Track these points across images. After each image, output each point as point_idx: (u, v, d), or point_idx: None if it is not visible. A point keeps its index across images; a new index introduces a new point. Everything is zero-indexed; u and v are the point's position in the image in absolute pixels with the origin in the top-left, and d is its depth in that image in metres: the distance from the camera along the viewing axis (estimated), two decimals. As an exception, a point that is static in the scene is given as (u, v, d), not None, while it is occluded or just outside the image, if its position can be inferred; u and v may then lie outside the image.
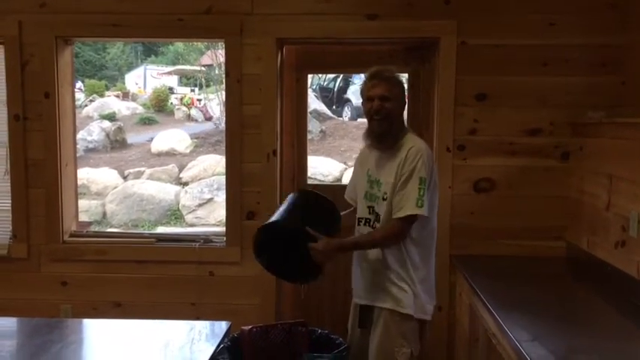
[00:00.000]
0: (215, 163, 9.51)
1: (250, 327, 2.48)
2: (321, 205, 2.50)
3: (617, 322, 2.27)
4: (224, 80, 3.35)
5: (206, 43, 13.90)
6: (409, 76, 3.48)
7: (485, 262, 3.03)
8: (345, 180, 7.41)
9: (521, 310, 2.29)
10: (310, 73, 3.77)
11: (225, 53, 3.31)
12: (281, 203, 2.58)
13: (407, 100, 2.56)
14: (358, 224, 2.49)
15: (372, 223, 2.43)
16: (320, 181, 8.15)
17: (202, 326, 2.49)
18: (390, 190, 2.33)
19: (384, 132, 2.37)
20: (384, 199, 2.36)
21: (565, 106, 3.12)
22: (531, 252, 3.13)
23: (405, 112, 3.45)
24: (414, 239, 2.34)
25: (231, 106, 3.30)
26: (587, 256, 2.86)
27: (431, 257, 2.43)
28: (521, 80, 3.14)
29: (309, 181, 3.66)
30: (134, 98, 14.92)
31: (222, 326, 2.41)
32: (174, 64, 17.99)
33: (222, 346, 2.27)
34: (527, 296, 2.51)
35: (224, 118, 3.65)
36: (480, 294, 2.51)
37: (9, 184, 3.38)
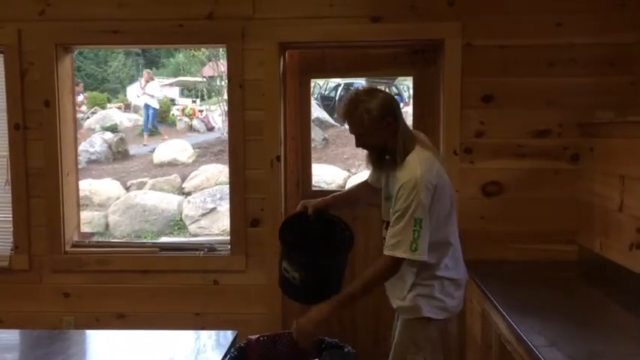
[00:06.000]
0: (217, 172, 9.46)
1: (257, 336, 2.41)
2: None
3: (635, 326, 2.20)
4: (226, 86, 3.30)
5: (207, 54, 13.94)
6: (414, 79, 3.44)
7: (496, 267, 2.97)
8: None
9: (535, 315, 2.22)
10: (313, 78, 3.74)
11: (227, 58, 3.27)
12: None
13: (394, 118, 2.22)
14: (383, 227, 2.39)
15: None
16: (323, 188, 8.09)
17: (208, 336, 2.43)
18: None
19: (374, 160, 2.33)
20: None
21: (573, 107, 3.06)
22: (542, 256, 3.07)
23: (410, 117, 3.42)
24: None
25: (234, 111, 3.25)
26: (600, 259, 2.79)
27: (445, 255, 2.29)
28: (528, 81, 3.09)
29: (313, 189, 3.61)
30: (135, 110, 14.93)
31: (227, 336, 2.36)
32: (175, 75, 18.01)
33: (228, 356, 2.21)
34: (540, 301, 2.44)
35: (226, 127, 3.62)
36: (492, 299, 2.45)
37: (10, 194, 3.34)
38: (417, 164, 2.19)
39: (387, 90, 3.17)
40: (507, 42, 3.08)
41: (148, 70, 14.74)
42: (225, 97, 11.91)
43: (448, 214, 2.28)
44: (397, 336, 2.35)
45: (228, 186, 3.31)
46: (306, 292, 2.33)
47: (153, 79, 13.99)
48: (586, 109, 3.01)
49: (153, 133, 12.99)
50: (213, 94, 14.90)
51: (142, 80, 13.74)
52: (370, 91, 2.26)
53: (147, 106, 12.90)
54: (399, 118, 2.25)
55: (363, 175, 2.67)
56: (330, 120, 11.67)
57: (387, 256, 2.18)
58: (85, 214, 7.57)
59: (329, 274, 2.36)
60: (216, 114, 13.79)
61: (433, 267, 2.25)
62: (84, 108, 13.94)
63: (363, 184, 2.62)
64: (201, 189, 9.12)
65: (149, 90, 13.16)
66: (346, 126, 2.33)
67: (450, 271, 2.30)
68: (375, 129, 2.21)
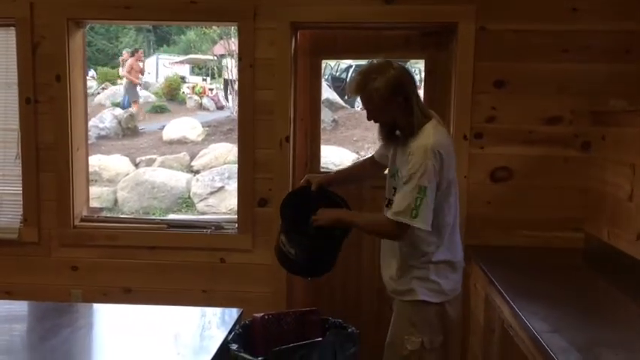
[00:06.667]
0: (226, 151, 9.47)
1: (262, 314, 2.44)
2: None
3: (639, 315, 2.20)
4: (237, 65, 3.29)
5: (219, 32, 13.87)
6: (426, 62, 3.41)
7: (502, 253, 2.97)
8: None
9: (539, 302, 2.23)
10: (324, 59, 3.71)
11: (238, 37, 3.26)
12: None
13: (404, 97, 2.22)
14: (384, 204, 2.41)
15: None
16: (331, 170, 8.09)
17: (213, 313, 2.47)
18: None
19: (385, 135, 2.34)
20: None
21: (586, 94, 3.03)
22: (549, 243, 3.06)
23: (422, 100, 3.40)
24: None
25: (244, 91, 3.24)
26: (607, 248, 2.78)
27: (442, 237, 2.28)
28: (541, 67, 3.06)
29: (322, 170, 3.61)
30: (146, 87, 14.91)
31: (233, 313, 2.39)
32: (186, 53, 17.94)
33: (233, 333, 2.24)
34: (545, 287, 2.44)
35: (236, 106, 3.62)
36: (496, 284, 2.45)
37: (20, 168, 3.36)
38: (432, 133, 2.21)
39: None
40: (521, 27, 3.04)
41: (127, 50, 14.65)
42: (230, 76, 11.76)
43: (447, 193, 2.25)
44: (393, 318, 2.37)
45: (236, 165, 3.32)
46: (300, 267, 2.46)
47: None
48: (599, 97, 2.97)
49: (163, 109, 13.00)
50: (223, 72, 14.85)
51: (122, 60, 13.69)
52: (381, 68, 2.23)
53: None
54: (412, 94, 2.23)
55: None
56: (341, 101, 11.61)
57: (389, 219, 2.18)
58: (94, 190, 7.60)
59: (323, 253, 2.43)
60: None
61: (428, 249, 2.26)
62: (94, 84, 13.95)
63: (369, 160, 2.65)
64: (210, 167, 9.14)
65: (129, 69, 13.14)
66: (356, 108, 2.36)
67: (446, 253, 2.29)
68: (384, 107, 2.23)
